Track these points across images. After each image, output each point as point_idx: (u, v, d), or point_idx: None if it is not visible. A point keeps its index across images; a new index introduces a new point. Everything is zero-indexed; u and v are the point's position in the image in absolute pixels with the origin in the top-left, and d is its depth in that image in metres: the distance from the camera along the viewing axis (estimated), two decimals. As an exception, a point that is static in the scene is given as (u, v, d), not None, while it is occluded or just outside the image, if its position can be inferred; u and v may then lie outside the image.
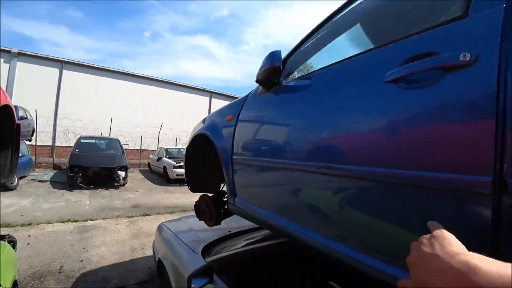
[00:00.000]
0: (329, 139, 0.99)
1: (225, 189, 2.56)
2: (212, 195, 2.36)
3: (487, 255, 0.32)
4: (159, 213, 6.13)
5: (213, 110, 22.14)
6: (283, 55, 1.37)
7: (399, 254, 0.70)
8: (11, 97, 10.99)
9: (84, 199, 6.84)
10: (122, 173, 8.38)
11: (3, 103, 1.75)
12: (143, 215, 5.87)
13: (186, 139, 19.90)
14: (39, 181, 8.66)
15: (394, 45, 0.80)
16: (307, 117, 1.13)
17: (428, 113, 0.64)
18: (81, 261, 3.67)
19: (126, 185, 8.78)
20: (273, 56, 1.31)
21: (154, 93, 19.27)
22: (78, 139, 9.54)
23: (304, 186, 1.17)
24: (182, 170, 9.62)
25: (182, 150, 12.05)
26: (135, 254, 4.02)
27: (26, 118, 9.10)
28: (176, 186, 9.64)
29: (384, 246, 0.79)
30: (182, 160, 10.25)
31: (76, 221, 5.16)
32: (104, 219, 5.42)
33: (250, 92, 1.76)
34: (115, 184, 8.47)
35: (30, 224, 4.83)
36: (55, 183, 8.48)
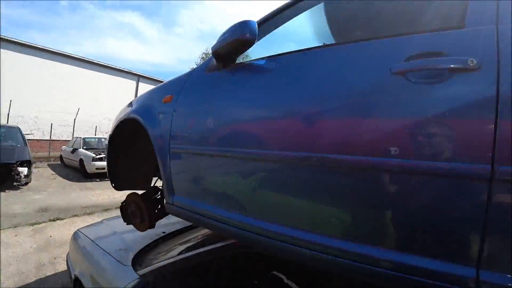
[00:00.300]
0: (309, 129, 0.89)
1: (158, 184, 2.21)
2: (142, 193, 1.98)
3: None
4: (75, 215, 5.22)
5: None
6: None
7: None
8: None
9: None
10: (24, 170, 6.84)
11: None
12: (53, 220, 4.90)
13: (108, 127, 17.80)
14: None
15: (400, 39, 0.81)
16: (272, 104, 1.00)
17: (435, 107, 0.68)
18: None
19: (29, 184, 7.28)
20: (246, 26, 1.03)
21: (69, 73, 16.26)
22: None
23: (262, 177, 1.05)
24: (103, 163, 8.51)
25: (103, 140, 10.63)
26: (43, 271, 3.27)
27: None
28: (96, 181, 8.45)
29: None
30: (103, 152, 9.05)
31: (-47, 235, 3.98)
32: (-3, 229, 4.33)
33: (194, 69, 1.45)
34: (15, 184, 6.89)
35: None
36: None
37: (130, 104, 1.91)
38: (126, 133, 1.92)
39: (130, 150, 2.07)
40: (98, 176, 8.74)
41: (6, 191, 6.63)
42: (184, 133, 1.31)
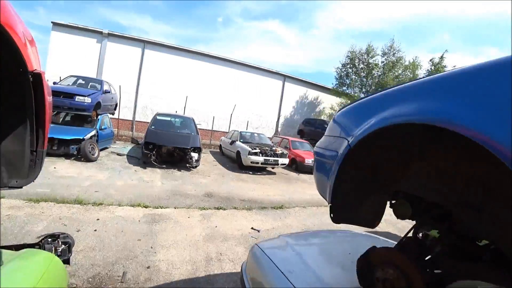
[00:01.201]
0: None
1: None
2: (401, 247, 1.09)
3: None
4: (235, 208, 5.18)
5: (286, 94, 20.99)
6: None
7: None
8: (101, 74, 11.53)
9: (156, 180, 6.33)
10: (195, 155, 7.77)
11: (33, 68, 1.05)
12: (217, 208, 4.98)
13: (257, 122, 19.37)
14: (118, 154, 8.66)
15: None
16: None
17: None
18: (148, 267, 2.84)
19: (198, 167, 8.20)
20: None
21: (228, 74, 18.82)
22: (155, 115, 9.28)
23: None
24: (258, 158, 8.68)
25: (255, 134, 11.11)
26: (211, 267, 3.05)
27: (109, 92, 9.18)
28: (249, 174, 8.73)
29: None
30: (257, 146, 9.34)
31: (146, 206, 4.51)
32: (175, 208, 4.68)
33: None
34: (187, 165, 7.93)
35: (101, 204, 4.32)
36: (131, 158, 8.35)
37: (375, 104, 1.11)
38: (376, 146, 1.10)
39: (368, 171, 1.25)
40: (251, 168, 9.04)
41: (182, 170, 7.62)
42: None
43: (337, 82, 22.32)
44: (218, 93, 18.13)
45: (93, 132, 7.59)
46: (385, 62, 20.53)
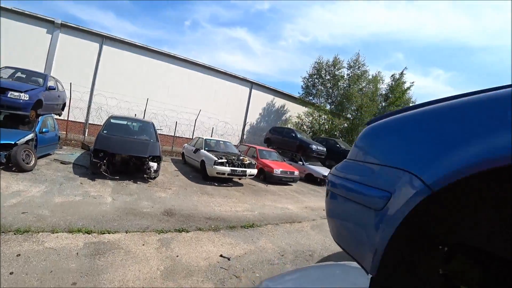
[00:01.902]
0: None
1: None
2: None
3: None
4: (199, 229, 4.52)
5: (253, 101, 20.65)
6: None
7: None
8: (50, 69, 10.08)
9: (105, 194, 5.41)
10: (154, 165, 6.91)
11: None
12: (179, 231, 4.28)
13: (223, 129, 18.65)
14: (62, 162, 7.47)
15: None
16: None
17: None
18: (81, 329, 2.10)
19: (157, 178, 7.34)
20: None
21: (193, 77, 17.96)
22: (108, 118, 8.21)
23: None
24: (224, 168, 8.04)
25: (221, 142, 10.46)
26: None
27: (54, 89, 7.95)
28: (215, 185, 8.06)
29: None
30: (223, 155, 8.71)
31: (89, 232, 3.66)
32: (127, 232, 3.89)
33: None
34: (145, 176, 7.03)
35: (27, 231, 3.40)
36: (78, 168, 7.23)
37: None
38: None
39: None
40: (216, 179, 8.38)
41: (138, 182, 6.73)
42: None
43: (303, 92, 22.59)
44: (182, 97, 17.17)
45: (29, 136, 6.40)
46: (350, 74, 21.23)
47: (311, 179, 12.14)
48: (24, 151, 6.01)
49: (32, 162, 6.16)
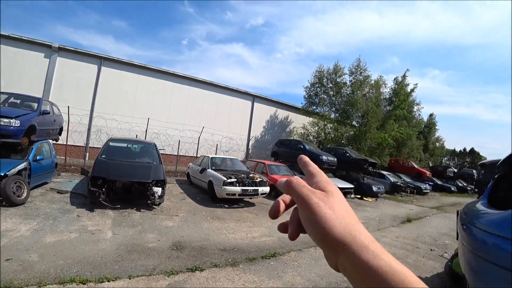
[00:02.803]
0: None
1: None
2: None
3: None
4: (216, 265, 3.85)
5: (255, 115, 20.22)
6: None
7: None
8: (48, 93, 9.64)
9: (105, 228, 4.78)
10: (158, 190, 6.29)
11: None
12: (191, 270, 3.62)
13: (228, 145, 18.10)
14: (58, 191, 6.87)
15: None
16: None
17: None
18: None
19: (162, 204, 6.71)
20: None
21: (194, 94, 17.62)
22: (107, 141, 7.64)
23: None
24: (234, 188, 7.38)
25: (227, 159, 9.87)
26: None
27: (49, 113, 7.45)
28: (225, 207, 7.41)
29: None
30: (232, 174, 8.12)
31: (84, 281, 3.01)
32: (130, 278, 3.24)
33: None
34: (149, 202, 6.38)
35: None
36: (76, 197, 6.62)
37: None
38: None
39: None
40: (226, 200, 7.73)
41: (142, 210, 6.11)
42: None
43: (306, 102, 22.17)
44: (184, 114, 16.78)
45: (21, 166, 5.84)
46: (353, 81, 20.84)
47: (324, 192, 11.40)
48: (15, 183, 5.44)
49: (24, 195, 5.57)
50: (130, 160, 6.97)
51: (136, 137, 13.40)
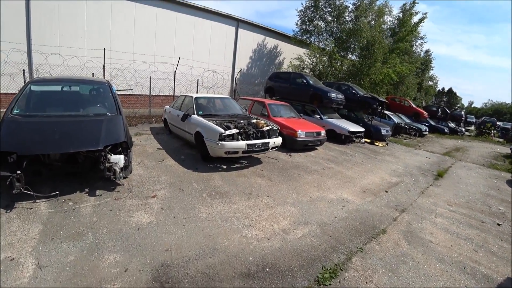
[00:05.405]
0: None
1: None
2: None
3: None
4: None
5: (240, 43, 16.56)
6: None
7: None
8: None
9: (24, 250, 2.56)
10: (119, 159, 3.81)
11: None
12: None
13: (211, 80, 15.10)
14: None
15: None
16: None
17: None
18: None
19: (129, 178, 4.48)
20: None
21: (167, 18, 13.60)
22: (26, 84, 4.61)
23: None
24: (237, 143, 4.84)
25: (217, 99, 7.37)
26: None
27: None
28: (223, 170, 5.28)
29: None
30: (230, 122, 5.76)
31: None
32: None
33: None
34: (109, 176, 4.01)
35: None
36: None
37: None
38: None
39: None
40: (222, 159, 5.60)
41: (97, 193, 3.87)
42: None
43: (299, 29, 18.70)
44: (154, 44, 13.19)
45: None
46: (357, 4, 17.33)
47: (331, 135, 9.46)
48: None
49: None
50: (65, 113, 4.22)
51: (93, 76, 10.29)
